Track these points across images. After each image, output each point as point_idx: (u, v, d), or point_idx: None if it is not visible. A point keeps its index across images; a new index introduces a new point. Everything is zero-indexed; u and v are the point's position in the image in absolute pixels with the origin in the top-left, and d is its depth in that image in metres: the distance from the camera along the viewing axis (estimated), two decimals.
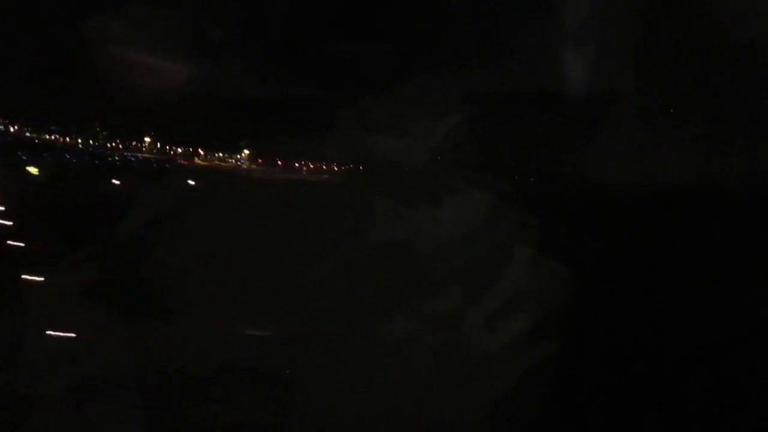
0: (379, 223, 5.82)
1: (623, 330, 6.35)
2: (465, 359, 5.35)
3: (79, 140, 9.28)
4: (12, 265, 5.75)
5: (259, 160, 8.83)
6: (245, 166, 8.79)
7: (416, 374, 5.17)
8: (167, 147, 9.23)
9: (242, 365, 5.02)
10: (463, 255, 5.80)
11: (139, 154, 9.24)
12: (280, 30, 6.75)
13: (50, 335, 4.95)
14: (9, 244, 6.17)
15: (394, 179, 6.41)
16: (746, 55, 6.71)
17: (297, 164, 8.27)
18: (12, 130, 9.00)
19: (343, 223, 5.74)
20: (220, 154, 9.14)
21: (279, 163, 8.68)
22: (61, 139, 9.22)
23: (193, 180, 7.43)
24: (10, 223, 6.70)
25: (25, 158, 8.82)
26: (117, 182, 8.92)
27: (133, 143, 9.30)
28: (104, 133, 9.34)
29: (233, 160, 8.99)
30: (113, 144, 9.33)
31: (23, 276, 5.41)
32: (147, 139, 9.18)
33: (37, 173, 8.65)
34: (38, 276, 5.42)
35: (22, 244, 6.19)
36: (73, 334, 5.01)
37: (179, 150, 9.28)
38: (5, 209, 6.96)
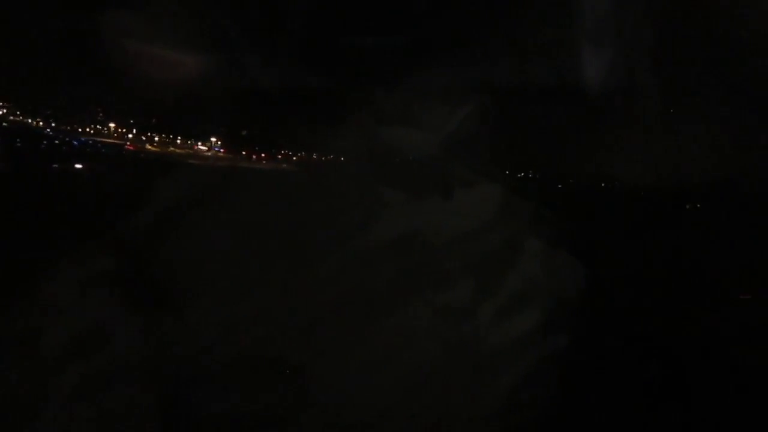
0: (391, 215, 5.80)
1: (636, 323, 6.34)
2: (477, 351, 5.34)
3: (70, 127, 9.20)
4: (24, 257, 5.76)
5: (244, 152, 8.80)
6: (220, 155, 8.76)
7: (428, 366, 5.17)
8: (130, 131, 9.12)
9: (255, 356, 5.02)
10: (476, 248, 5.77)
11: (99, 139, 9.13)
12: (291, 22, 6.72)
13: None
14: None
15: (407, 171, 6.40)
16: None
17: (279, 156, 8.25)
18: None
19: (355, 215, 5.72)
20: (191, 142, 9.05)
21: (257, 156, 8.66)
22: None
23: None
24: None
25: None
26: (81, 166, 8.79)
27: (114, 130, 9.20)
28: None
29: (206, 148, 8.93)
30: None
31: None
32: (112, 125, 9.07)
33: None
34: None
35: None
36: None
37: (155, 137, 9.17)
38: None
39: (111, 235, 5.56)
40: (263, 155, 8.81)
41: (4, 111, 8.88)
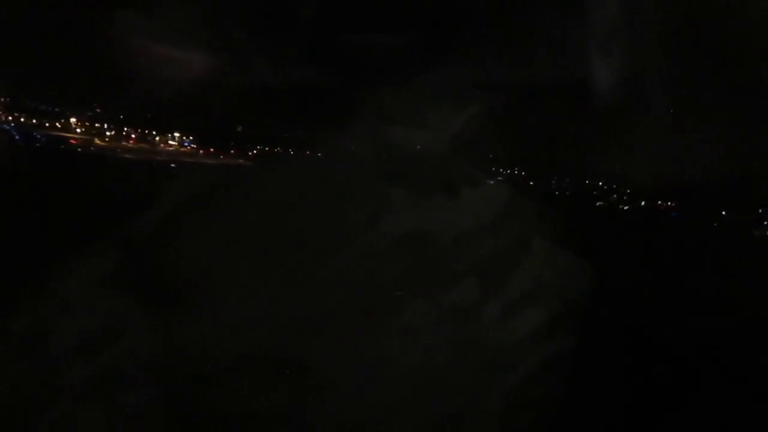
0: (397, 214, 5.80)
1: (641, 323, 6.34)
2: (483, 350, 5.35)
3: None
4: (33, 255, 5.78)
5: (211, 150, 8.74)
6: (189, 150, 8.71)
7: (434, 364, 5.17)
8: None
9: (263, 355, 5.03)
10: (482, 246, 5.77)
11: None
12: (299, 21, 6.71)
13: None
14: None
15: (413, 170, 6.39)
16: None
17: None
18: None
19: (361, 213, 5.72)
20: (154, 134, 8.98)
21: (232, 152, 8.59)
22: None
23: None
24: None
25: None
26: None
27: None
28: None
29: (174, 142, 8.88)
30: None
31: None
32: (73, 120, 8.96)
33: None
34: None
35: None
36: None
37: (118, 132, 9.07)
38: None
39: (120, 235, 5.57)
40: (232, 152, 8.72)
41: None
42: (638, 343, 6.36)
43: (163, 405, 4.65)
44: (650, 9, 6.42)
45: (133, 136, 9.23)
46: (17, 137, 8.96)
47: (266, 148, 8.70)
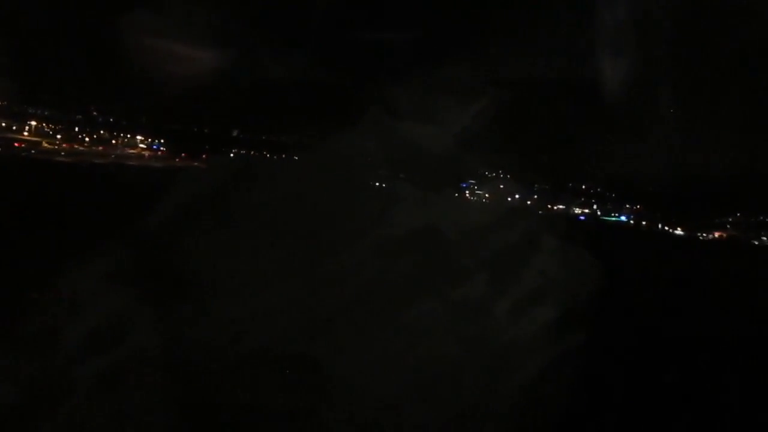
0: (407, 210, 5.80)
1: (650, 320, 6.31)
2: (492, 347, 5.33)
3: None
4: (43, 253, 5.80)
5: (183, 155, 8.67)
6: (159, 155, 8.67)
7: (444, 361, 5.16)
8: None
9: (271, 350, 5.03)
10: (491, 244, 5.77)
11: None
12: (307, 19, 6.73)
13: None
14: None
15: (422, 167, 6.39)
16: None
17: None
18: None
19: (371, 210, 5.72)
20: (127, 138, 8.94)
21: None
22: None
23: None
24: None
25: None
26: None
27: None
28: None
29: (145, 146, 8.85)
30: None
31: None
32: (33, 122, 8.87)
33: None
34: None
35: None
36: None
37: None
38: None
39: (129, 232, 5.59)
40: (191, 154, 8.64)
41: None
42: (647, 341, 6.34)
43: (173, 401, 4.64)
44: (660, 10, 6.43)
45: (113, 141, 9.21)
46: None
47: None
